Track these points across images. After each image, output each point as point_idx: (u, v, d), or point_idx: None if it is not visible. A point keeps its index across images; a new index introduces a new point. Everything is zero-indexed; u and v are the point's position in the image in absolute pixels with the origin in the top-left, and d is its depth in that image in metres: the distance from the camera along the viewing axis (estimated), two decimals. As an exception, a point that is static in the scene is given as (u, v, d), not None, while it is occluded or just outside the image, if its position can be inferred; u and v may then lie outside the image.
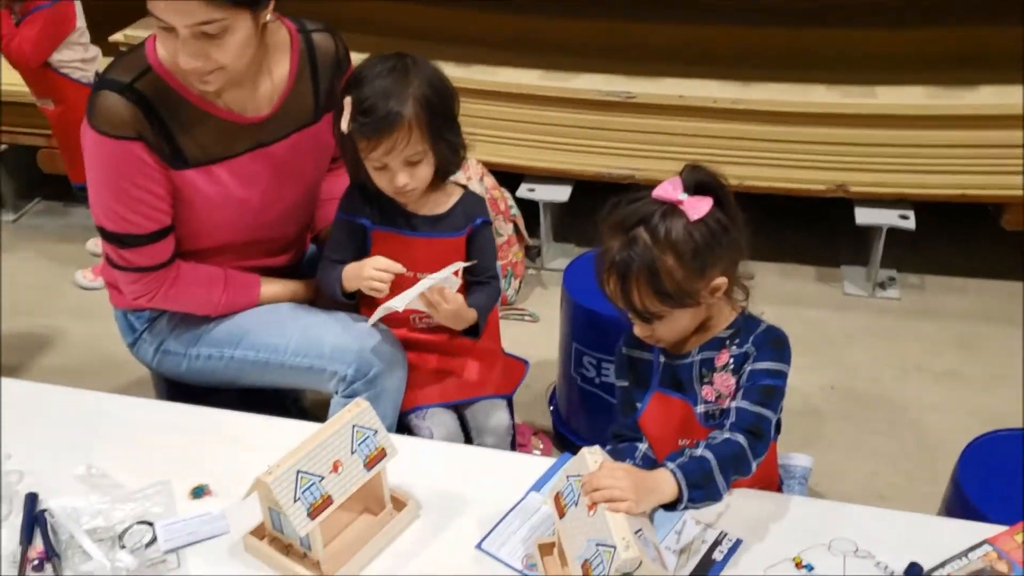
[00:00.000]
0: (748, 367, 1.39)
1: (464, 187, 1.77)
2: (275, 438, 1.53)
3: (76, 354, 2.79)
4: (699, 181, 1.34)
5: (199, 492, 1.52)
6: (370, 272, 1.64)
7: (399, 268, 1.64)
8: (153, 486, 1.51)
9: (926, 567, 1.33)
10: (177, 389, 1.90)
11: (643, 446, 1.52)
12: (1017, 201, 2.79)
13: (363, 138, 1.57)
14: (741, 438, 1.33)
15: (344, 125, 1.57)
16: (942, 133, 2.66)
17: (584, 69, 2.93)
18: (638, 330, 1.42)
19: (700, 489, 1.30)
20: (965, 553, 1.34)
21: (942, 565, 1.33)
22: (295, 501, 1.29)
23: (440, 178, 1.70)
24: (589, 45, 3.05)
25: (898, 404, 2.49)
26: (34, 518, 1.45)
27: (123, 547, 1.40)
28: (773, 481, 1.60)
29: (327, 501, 1.32)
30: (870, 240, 2.88)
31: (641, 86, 2.84)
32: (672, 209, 1.32)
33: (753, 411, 1.36)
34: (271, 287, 1.82)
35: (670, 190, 1.32)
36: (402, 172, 1.60)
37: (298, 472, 1.30)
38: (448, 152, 1.63)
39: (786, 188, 2.80)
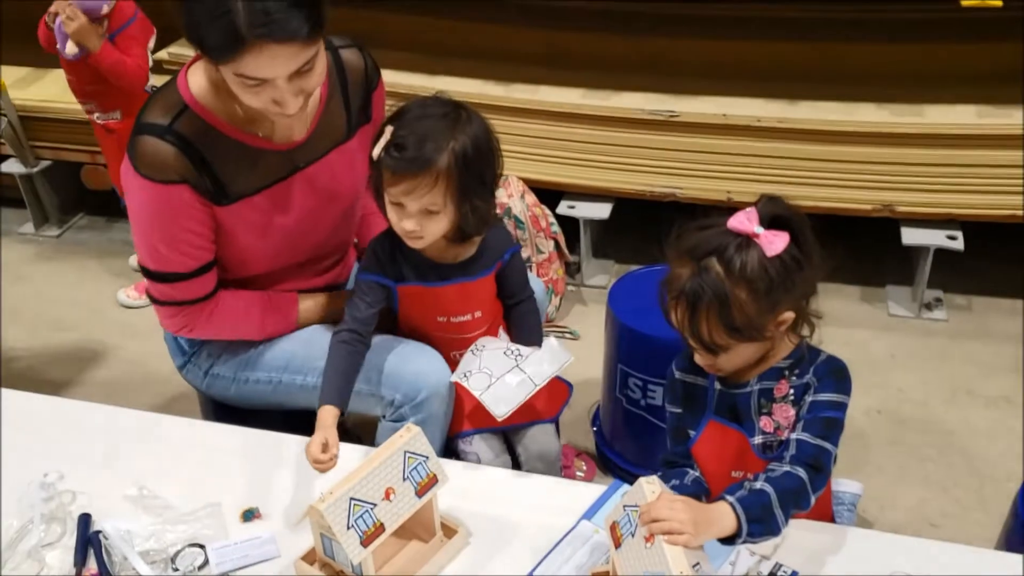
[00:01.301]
0: (809, 398, 1.37)
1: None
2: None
3: (123, 371, 2.81)
4: (775, 215, 1.31)
5: (249, 515, 1.52)
6: (310, 459, 1.50)
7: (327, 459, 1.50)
8: (204, 508, 1.52)
9: (989, 604, 1.30)
10: (223, 408, 1.91)
11: (694, 472, 1.50)
12: (1068, 222, 2.74)
13: (388, 170, 1.54)
14: (802, 472, 1.31)
15: (375, 152, 1.54)
16: (991, 153, 2.62)
17: (626, 87, 2.92)
18: (700, 359, 1.40)
19: (759, 524, 1.27)
20: (1029, 590, 1.32)
21: (1007, 602, 1.30)
22: (348, 528, 1.29)
23: (460, 238, 1.65)
24: (631, 62, 3.03)
25: (947, 429, 2.44)
26: (88, 540, 1.46)
27: (176, 569, 1.40)
28: (827, 511, 1.57)
29: (379, 529, 1.32)
30: (916, 260, 2.84)
31: (684, 104, 2.82)
32: (748, 241, 1.29)
33: (814, 444, 1.33)
34: (307, 302, 1.82)
35: (745, 222, 1.30)
36: (414, 217, 1.55)
37: (351, 500, 1.30)
38: (472, 215, 1.59)
39: (831, 208, 2.76)
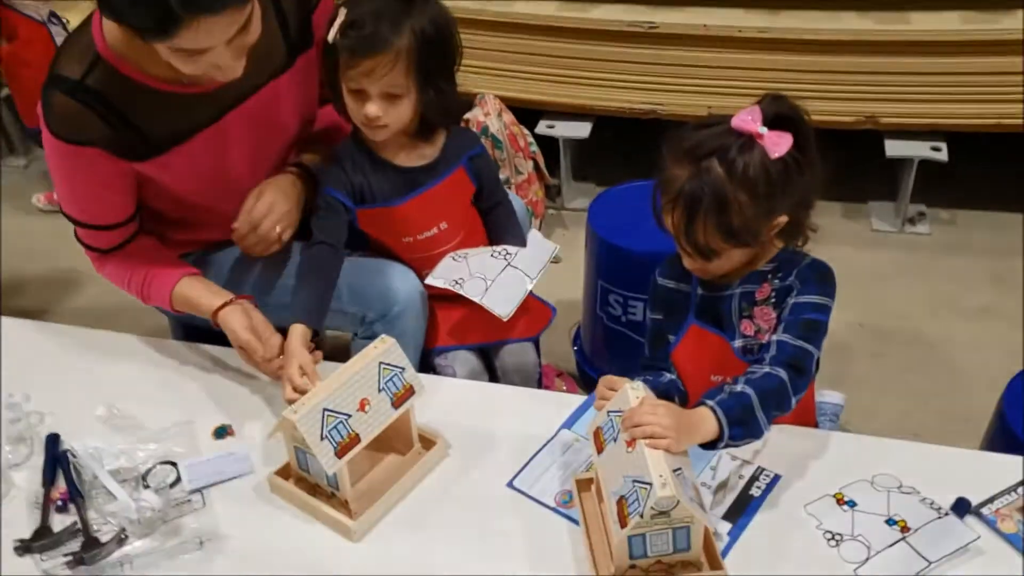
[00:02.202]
0: (791, 300, 1.34)
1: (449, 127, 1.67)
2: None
3: (95, 297, 2.75)
4: (779, 113, 1.25)
5: (221, 432, 1.50)
6: (288, 393, 1.41)
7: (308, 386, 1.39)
8: (176, 426, 1.49)
9: (974, 502, 1.29)
10: (193, 330, 1.86)
11: (670, 375, 1.48)
12: (1054, 131, 2.70)
13: (345, 53, 1.46)
14: (782, 372, 1.28)
15: (330, 35, 1.47)
16: (977, 60, 2.56)
17: (604, -1, 2.83)
18: (689, 263, 1.36)
19: (741, 426, 1.25)
20: (1014, 488, 1.31)
21: (991, 500, 1.29)
22: (322, 440, 1.26)
23: (425, 130, 1.60)
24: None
25: (929, 341, 2.43)
26: (56, 459, 1.43)
27: (147, 487, 1.37)
28: (811, 419, 1.55)
29: (355, 440, 1.29)
30: (900, 173, 2.80)
31: (663, 15, 2.73)
32: (750, 142, 1.24)
33: (795, 345, 1.30)
34: (189, 290, 1.60)
35: (749, 122, 1.24)
36: (376, 102, 1.49)
37: (324, 410, 1.27)
38: (437, 100, 1.52)
39: (814, 121, 2.69)
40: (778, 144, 1.23)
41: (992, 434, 1.64)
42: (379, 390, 1.33)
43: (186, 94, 1.49)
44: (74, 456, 1.42)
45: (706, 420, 1.24)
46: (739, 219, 1.25)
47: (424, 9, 1.48)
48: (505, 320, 1.59)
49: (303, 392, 1.35)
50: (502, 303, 1.58)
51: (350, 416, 1.29)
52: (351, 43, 1.45)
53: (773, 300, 1.36)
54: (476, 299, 1.58)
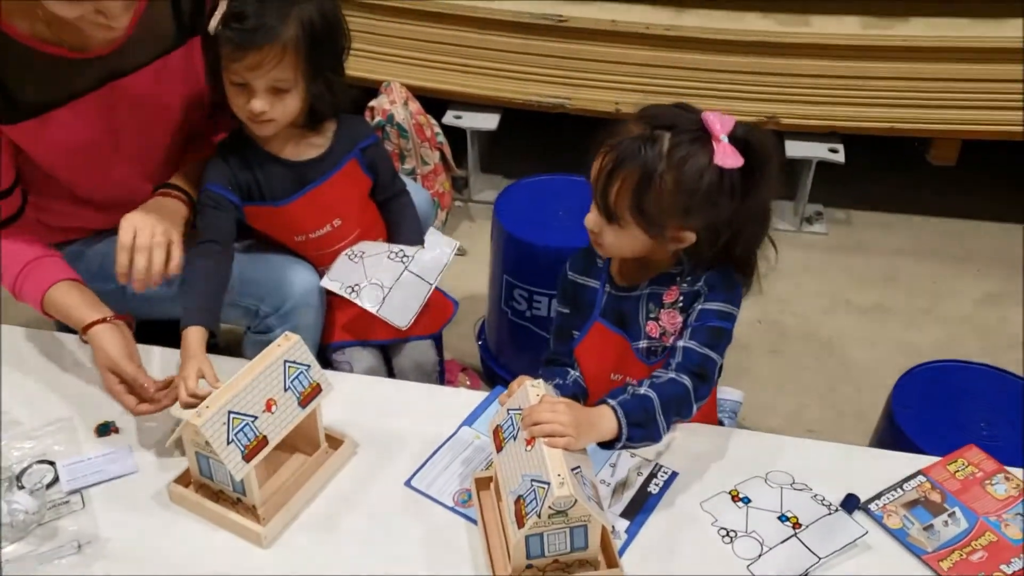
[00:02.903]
0: (699, 306, 1.33)
1: (338, 116, 1.61)
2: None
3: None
4: (746, 138, 1.23)
5: (104, 429, 1.43)
6: (184, 396, 1.33)
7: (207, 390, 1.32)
8: (54, 423, 1.42)
9: (862, 498, 1.32)
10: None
11: (574, 372, 1.47)
12: (944, 136, 2.80)
13: (228, 45, 1.39)
14: (687, 380, 1.29)
15: (212, 26, 1.39)
16: (873, 64, 2.63)
17: (514, -10, 2.81)
18: (590, 220, 1.32)
19: (640, 428, 1.25)
20: (900, 484, 1.34)
21: (878, 496, 1.33)
22: (228, 444, 1.20)
23: (313, 122, 1.54)
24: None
25: (825, 338, 2.50)
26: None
27: (21, 487, 1.30)
28: (712, 415, 1.57)
29: (262, 442, 1.24)
30: (799, 174, 2.87)
31: (573, 9, 2.72)
32: (707, 141, 1.22)
33: (700, 353, 1.31)
34: (62, 297, 1.47)
35: (717, 124, 1.21)
36: (262, 97, 1.43)
37: (230, 413, 1.21)
38: (325, 92, 1.48)
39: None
40: (726, 157, 1.21)
41: (881, 431, 1.69)
42: (285, 389, 1.28)
43: (63, 58, 1.41)
44: (-58, 452, 1.34)
45: (605, 418, 1.24)
46: (654, 201, 1.24)
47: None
48: (404, 330, 1.56)
49: (200, 398, 1.27)
50: (400, 313, 1.54)
51: (256, 418, 1.24)
52: (234, 35, 1.38)
53: (680, 304, 1.36)
54: (373, 310, 1.54)
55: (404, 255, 1.60)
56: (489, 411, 1.47)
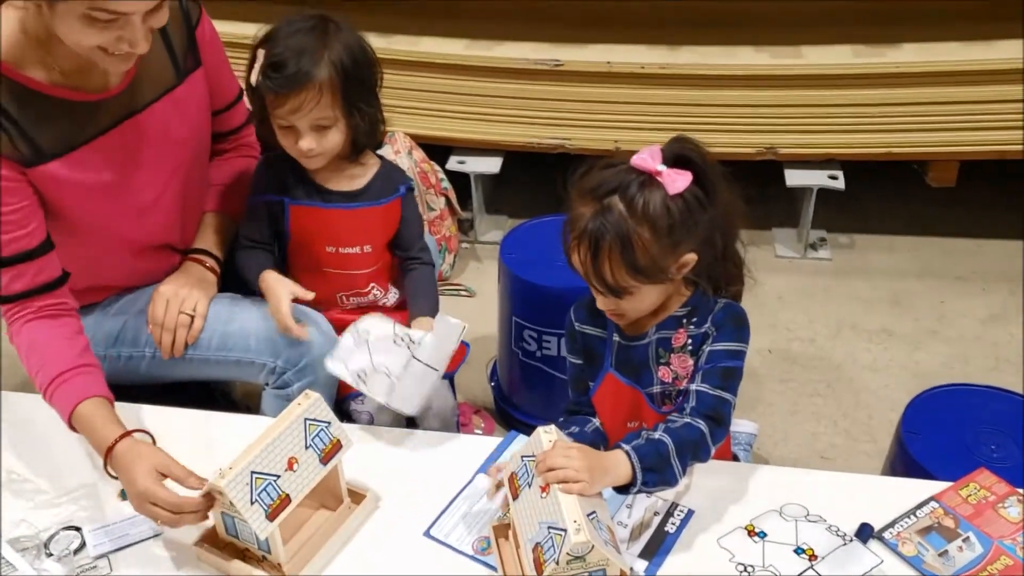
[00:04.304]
0: (707, 347, 1.36)
1: (381, 158, 1.71)
2: (206, 432, 1.47)
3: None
4: (678, 154, 1.27)
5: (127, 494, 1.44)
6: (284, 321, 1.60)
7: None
8: (78, 489, 1.44)
9: (876, 527, 1.33)
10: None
11: (595, 421, 1.50)
12: (941, 158, 2.82)
13: (271, 93, 1.51)
14: (702, 424, 1.30)
15: (253, 77, 1.52)
16: (867, 92, 2.67)
17: (510, 37, 2.86)
18: (602, 304, 1.36)
19: (655, 472, 1.27)
20: (913, 511, 1.36)
21: (892, 524, 1.34)
22: (252, 503, 1.23)
23: (355, 152, 1.64)
24: (514, 12, 2.98)
25: (834, 364, 2.51)
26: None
27: (50, 555, 1.33)
28: (727, 449, 1.58)
29: (285, 501, 1.26)
30: (800, 201, 2.90)
31: (568, 53, 2.78)
32: (650, 180, 1.26)
33: (713, 395, 1.33)
34: (91, 424, 1.44)
35: (648, 160, 1.26)
36: (309, 135, 1.54)
37: (252, 473, 1.24)
38: (363, 124, 1.58)
39: (717, 153, 2.75)
40: (676, 181, 1.25)
41: (892, 458, 1.70)
42: (306, 447, 1.31)
43: (79, 101, 1.48)
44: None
45: (620, 464, 1.26)
46: (644, 255, 1.26)
47: (338, 38, 1.52)
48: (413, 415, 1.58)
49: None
50: (408, 402, 1.53)
51: (279, 477, 1.26)
52: (274, 84, 1.50)
53: (690, 347, 1.38)
54: (381, 400, 1.53)
55: (411, 340, 1.57)
56: (504, 456, 1.49)
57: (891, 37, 2.71)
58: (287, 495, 1.26)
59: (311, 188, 1.65)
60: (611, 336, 1.44)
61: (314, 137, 1.54)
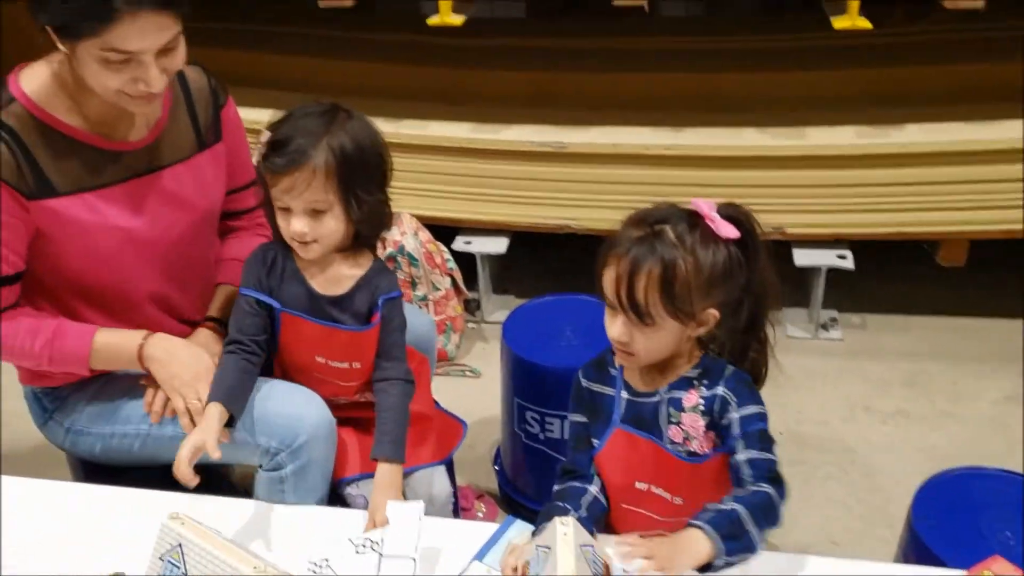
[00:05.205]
0: (734, 414, 1.35)
1: (375, 258, 1.65)
2: (203, 517, 1.42)
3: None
4: (730, 214, 1.32)
5: (119, 582, 1.41)
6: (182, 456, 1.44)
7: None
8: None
9: (888, 618, 1.28)
10: (92, 468, 1.79)
11: (593, 488, 1.45)
12: (951, 237, 2.81)
13: (268, 171, 1.52)
14: (767, 487, 1.29)
15: (255, 158, 1.55)
16: (873, 172, 2.68)
17: (515, 120, 2.90)
18: (616, 332, 1.33)
19: (734, 541, 1.24)
20: (925, 602, 1.30)
21: (903, 616, 1.28)
22: None
23: (357, 243, 1.61)
24: (519, 96, 3.03)
25: (848, 447, 2.45)
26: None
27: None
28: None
29: None
30: (810, 281, 2.88)
31: (572, 135, 2.81)
32: (702, 223, 1.30)
33: (764, 458, 1.32)
34: (110, 336, 1.62)
35: (704, 206, 1.31)
36: (301, 217, 1.51)
37: None
38: (364, 213, 1.54)
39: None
40: (725, 228, 1.29)
41: (905, 544, 1.64)
42: None
43: (96, 148, 1.56)
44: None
45: (697, 541, 1.24)
46: (682, 286, 1.28)
47: (344, 128, 1.51)
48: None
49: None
50: None
51: None
52: (271, 162, 1.51)
53: (702, 408, 1.37)
54: None
55: (372, 543, 1.47)
56: (500, 543, 1.45)
57: (894, 118, 2.73)
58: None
59: (299, 284, 1.60)
60: (619, 393, 1.43)
61: (306, 220, 1.51)
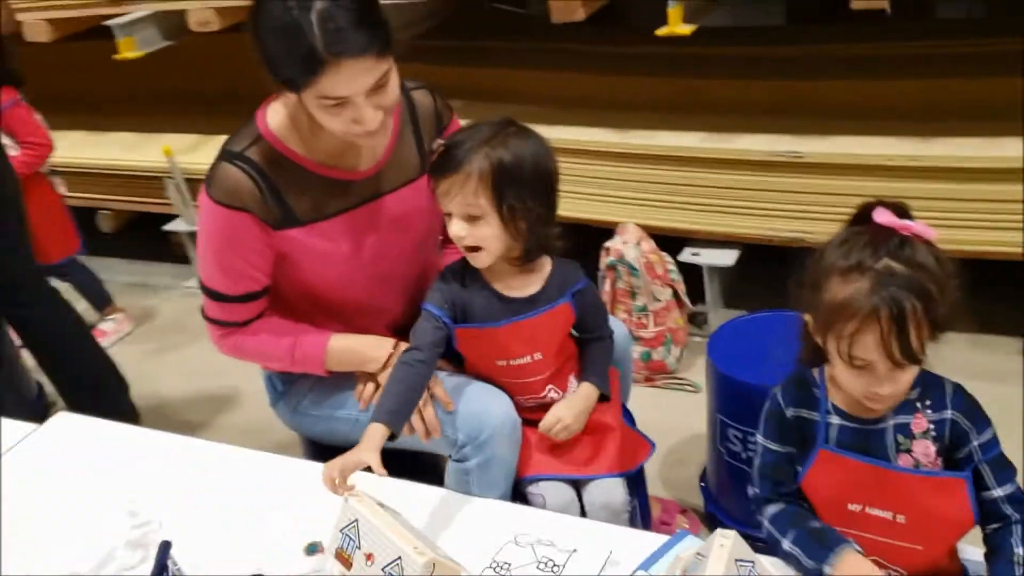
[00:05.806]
0: (975, 442, 1.29)
1: (551, 258, 1.71)
2: (392, 499, 1.51)
3: (252, 414, 2.93)
4: (903, 212, 1.26)
5: (312, 549, 1.54)
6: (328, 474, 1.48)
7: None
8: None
9: None
10: (319, 448, 1.96)
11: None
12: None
13: (431, 175, 1.60)
14: None
15: (427, 167, 1.63)
16: None
17: (747, 129, 2.83)
18: (889, 389, 1.23)
19: None
20: None
21: None
22: None
23: (527, 257, 1.66)
24: (752, 104, 2.95)
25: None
26: (164, 566, 1.52)
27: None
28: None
29: None
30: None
31: (809, 145, 2.70)
32: (900, 237, 1.20)
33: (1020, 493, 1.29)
34: (343, 341, 1.79)
35: (887, 216, 1.22)
36: (457, 221, 1.58)
37: None
38: (524, 227, 1.58)
39: (977, 252, 2.54)
40: (926, 229, 1.21)
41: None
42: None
43: (329, 178, 1.69)
44: (174, 563, 1.51)
45: None
46: (943, 305, 1.18)
47: (508, 141, 1.56)
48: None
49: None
50: None
51: None
52: (431, 167, 1.60)
53: (933, 433, 1.29)
54: None
55: (553, 564, 1.46)
56: (669, 556, 1.43)
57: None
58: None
59: (489, 292, 1.67)
60: (824, 417, 1.35)
61: (462, 224, 1.57)
